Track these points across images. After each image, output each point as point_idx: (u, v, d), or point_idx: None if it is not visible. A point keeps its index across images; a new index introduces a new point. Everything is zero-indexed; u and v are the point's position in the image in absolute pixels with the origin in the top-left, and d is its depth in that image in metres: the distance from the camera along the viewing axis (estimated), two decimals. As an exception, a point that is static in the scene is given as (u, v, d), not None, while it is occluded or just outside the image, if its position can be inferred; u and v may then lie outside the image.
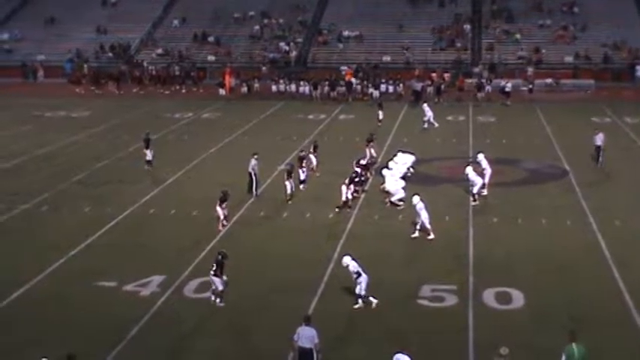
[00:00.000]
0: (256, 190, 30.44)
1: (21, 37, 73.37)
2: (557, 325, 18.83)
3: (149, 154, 35.53)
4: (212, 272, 20.50)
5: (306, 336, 16.44)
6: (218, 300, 20.57)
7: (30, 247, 25.43)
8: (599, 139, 35.48)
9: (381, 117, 44.95)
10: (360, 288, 20.15)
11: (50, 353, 15.90)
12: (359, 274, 20.08)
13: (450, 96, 55.27)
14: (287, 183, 29.79)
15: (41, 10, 76.44)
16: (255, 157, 30.78)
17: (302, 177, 31.53)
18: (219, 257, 20.60)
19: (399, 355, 15.58)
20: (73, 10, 75.80)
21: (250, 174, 30.45)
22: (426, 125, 44.02)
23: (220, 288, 20.55)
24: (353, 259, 20.34)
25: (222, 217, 26.73)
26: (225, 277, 20.54)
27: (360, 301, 20.23)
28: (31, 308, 20.61)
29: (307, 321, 16.81)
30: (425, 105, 45.34)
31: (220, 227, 26.58)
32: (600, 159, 35.08)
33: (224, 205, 26.72)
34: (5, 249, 25.35)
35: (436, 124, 44.13)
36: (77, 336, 18.72)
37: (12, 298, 21.23)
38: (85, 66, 67.52)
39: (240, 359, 18.05)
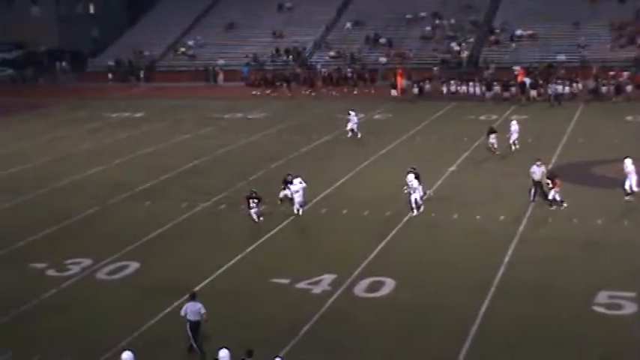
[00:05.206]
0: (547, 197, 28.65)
1: (203, 43, 76.92)
2: None
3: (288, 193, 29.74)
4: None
5: (192, 310, 18.26)
6: None
7: (210, 244, 26.55)
8: None
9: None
10: None
11: (228, 347, 16.55)
12: None
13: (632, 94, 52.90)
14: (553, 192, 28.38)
15: (222, 16, 79.88)
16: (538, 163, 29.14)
17: None
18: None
19: None
20: (251, 15, 78.77)
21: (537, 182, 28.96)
22: None
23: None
24: None
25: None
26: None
27: None
28: (210, 303, 21.54)
29: (193, 297, 18.60)
30: None
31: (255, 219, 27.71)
32: None
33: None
34: (186, 245, 26.54)
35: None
36: (253, 330, 19.35)
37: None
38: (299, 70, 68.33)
39: (410, 358, 18.19)
